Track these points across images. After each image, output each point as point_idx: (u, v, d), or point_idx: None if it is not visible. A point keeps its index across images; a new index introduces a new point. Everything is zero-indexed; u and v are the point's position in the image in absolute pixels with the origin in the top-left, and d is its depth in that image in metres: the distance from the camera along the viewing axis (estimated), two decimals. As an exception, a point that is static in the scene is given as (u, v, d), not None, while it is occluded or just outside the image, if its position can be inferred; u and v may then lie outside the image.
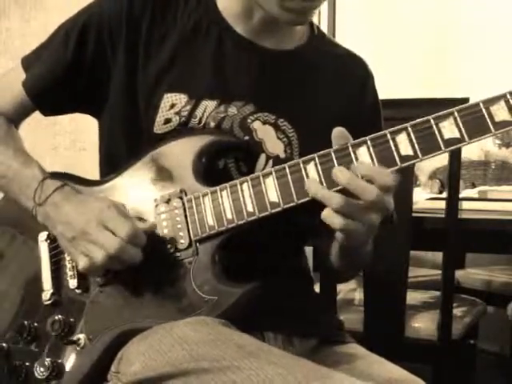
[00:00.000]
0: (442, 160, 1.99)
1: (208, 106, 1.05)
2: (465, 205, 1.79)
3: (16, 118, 1.17)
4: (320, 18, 3.18)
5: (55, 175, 1.07)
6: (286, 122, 1.08)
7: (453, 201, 1.67)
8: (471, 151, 2.46)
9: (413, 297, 1.94)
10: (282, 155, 1.07)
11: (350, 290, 2.08)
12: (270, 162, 1.06)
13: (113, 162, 1.10)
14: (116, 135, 1.11)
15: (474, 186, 2.27)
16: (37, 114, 1.18)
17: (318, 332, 1.11)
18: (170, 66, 1.06)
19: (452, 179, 1.68)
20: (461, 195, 1.75)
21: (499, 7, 3.10)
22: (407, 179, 1.67)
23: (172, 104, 1.05)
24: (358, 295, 2.00)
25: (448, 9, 3.24)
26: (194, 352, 0.83)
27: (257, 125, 1.07)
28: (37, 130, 2.60)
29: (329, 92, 1.13)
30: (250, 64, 1.08)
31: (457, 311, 1.86)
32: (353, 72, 1.18)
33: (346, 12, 3.40)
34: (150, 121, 1.05)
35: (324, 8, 3.37)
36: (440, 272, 1.76)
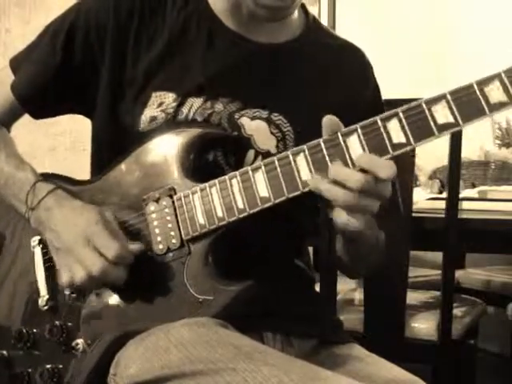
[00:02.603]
0: (442, 160, 1.99)
1: (195, 102, 1.04)
2: (465, 205, 1.79)
3: (5, 120, 1.16)
4: (320, 18, 3.17)
5: (43, 176, 1.06)
6: (280, 116, 1.06)
7: (453, 201, 1.67)
8: (471, 151, 2.46)
9: (413, 297, 1.94)
10: (274, 150, 1.05)
11: (350, 290, 2.08)
12: (260, 157, 1.04)
13: (101, 162, 1.09)
14: (104, 135, 1.10)
15: (474, 186, 2.27)
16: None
17: (318, 332, 1.11)
18: (159, 65, 1.05)
19: (452, 179, 1.68)
20: (461, 195, 1.75)
21: (498, 7, 3.10)
22: (407, 179, 1.67)
23: (160, 102, 1.04)
24: (358, 295, 1.99)
25: (447, 9, 3.24)
26: (189, 354, 0.83)
27: (244, 121, 1.05)
28: (36, 130, 2.60)
29: (326, 84, 1.11)
30: (240, 59, 1.07)
31: (457, 311, 1.86)
32: (351, 63, 1.16)
33: (345, 12, 3.40)
34: (136, 119, 1.04)
35: (324, 8, 3.37)
36: (440, 272, 1.76)
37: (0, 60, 2.80)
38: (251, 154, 1.04)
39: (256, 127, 1.05)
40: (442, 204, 1.70)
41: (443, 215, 1.68)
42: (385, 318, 1.72)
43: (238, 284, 0.92)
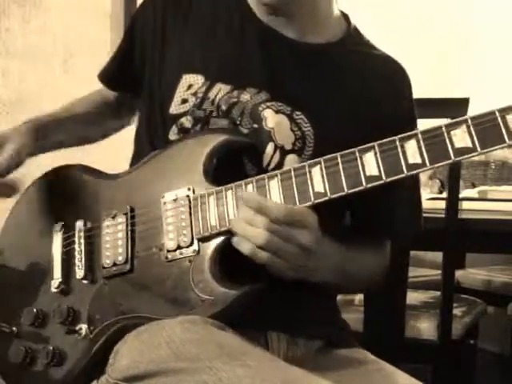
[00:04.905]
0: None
1: (222, 88, 1.06)
2: (465, 205, 1.79)
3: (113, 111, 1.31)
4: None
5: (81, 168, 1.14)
6: (302, 115, 1.06)
7: (453, 201, 1.67)
8: (471, 151, 2.46)
9: (413, 297, 1.94)
10: (289, 147, 1.05)
11: (350, 290, 2.08)
12: (278, 151, 1.04)
13: (138, 148, 1.16)
14: (141, 119, 1.18)
15: (474, 186, 2.27)
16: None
17: (324, 334, 1.10)
18: (191, 49, 1.10)
19: (452, 179, 1.68)
20: (461, 195, 1.75)
21: (501, 8, 3.10)
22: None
23: (189, 85, 1.08)
24: (358, 295, 1.99)
25: (450, 10, 3.24)
26: (177, 351, 0.83)
27: (268, 113, 1.05)
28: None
29: (356, 94, 1.09)
30: (270, 52, 1.09)
31: (457, 311, 1.86)
32: (387, 76, 1.14)
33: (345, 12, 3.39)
34: (167, 101, 1.08)
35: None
36: (440, 272, 1.76)
37: (0, 60, 2.79)
38: (271, 146, 1.05)
39: (278, 121, 1.06)
40: (442, 204, 1.71)
41: (443, 215, 1.68)
42: (385, 318, 1.73)
43: (238, 288, 0.93)
